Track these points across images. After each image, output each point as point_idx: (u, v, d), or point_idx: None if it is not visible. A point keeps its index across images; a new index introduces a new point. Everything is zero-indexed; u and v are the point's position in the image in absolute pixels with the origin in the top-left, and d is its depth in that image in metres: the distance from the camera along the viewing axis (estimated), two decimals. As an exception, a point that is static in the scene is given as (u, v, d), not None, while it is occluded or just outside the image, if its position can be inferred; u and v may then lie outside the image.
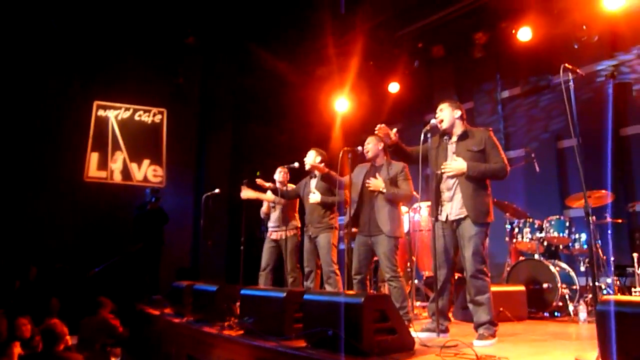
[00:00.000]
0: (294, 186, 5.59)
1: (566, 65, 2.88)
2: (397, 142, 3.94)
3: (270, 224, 5.68)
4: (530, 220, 5.53)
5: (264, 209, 5.77)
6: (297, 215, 5.57)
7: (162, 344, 5.34)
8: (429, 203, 5.51)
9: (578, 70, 2.89)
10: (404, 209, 5.69)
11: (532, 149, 6.21)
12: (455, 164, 3.59)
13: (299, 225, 5.50)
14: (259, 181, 5.51)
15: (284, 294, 3.45)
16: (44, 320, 5.50)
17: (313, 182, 5.18)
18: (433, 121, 3.70)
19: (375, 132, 3.94)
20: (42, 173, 8.40)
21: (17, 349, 4.88)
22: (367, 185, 4.23)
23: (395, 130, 3.93)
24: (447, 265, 3.68)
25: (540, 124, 7.32)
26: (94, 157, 9.08)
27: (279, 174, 5.70)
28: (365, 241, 4.25)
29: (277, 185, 5.63)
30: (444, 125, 3.71)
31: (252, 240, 5.75)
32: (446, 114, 3.72)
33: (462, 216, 3.55)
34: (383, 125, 3.88)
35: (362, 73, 8.72)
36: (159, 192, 7.81)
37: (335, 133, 9.52)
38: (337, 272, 4.93)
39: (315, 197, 4.99)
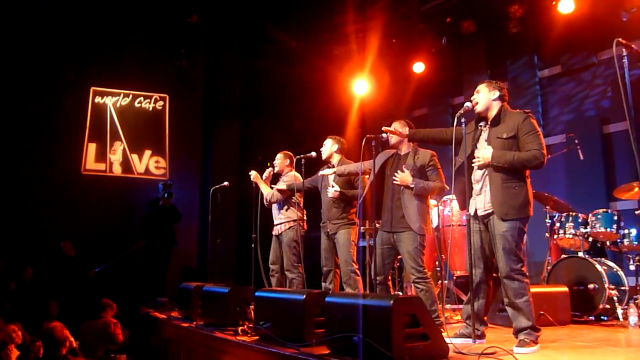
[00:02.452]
0: (297, 176, 5.62)
1: (620, 39, 2.82)
2: (407, 135, 4.13)
3: (274, 216, 5.77)
4: (574, 213, 5.46)
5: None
6: (296, 207, 5.58)
7: (170, 350, 5.40)
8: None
9: (633, 46, 2.82)
10: (432, 202, 5.67)
11: (575, 135, 6.11)
12: (482, 152, 3.56)
13: (300, 216, 5.52)
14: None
15: (304, 296, 3.46)
16: (42, 324, 5.60)
17: (331, 175, 5.17)
18: (468, 104, 3.66)
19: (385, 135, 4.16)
20: (36, 166, 8.51)
21: (14, 352, 4.97)
22: (393, 179, 4.21)
23: (394, 125, 4.24)
24: (483, 264, 3.65)
25: (584, 106, 7.21)
26: (91, 148, 9.16)
27: (276, 161, 5.79)
28: (387, 238, 4.24)
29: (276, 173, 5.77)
30: (478, 108, 3.67)
31: (264, 238, 5.78)
32: (482, 96, 3.68)
33: (490, 211, 3.54)
34: (384, 128, 4.12)
35: (384, 52, 8.65)
36: (171, 187, 7.87)
37: (353, 119, 9.49)
38: (357, 271, 4.95)
39: (333, 191, 4.99)
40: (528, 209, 3.50)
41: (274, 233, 5.70)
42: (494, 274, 3.98)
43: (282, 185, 5.60)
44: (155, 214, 7.84)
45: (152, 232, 7.80)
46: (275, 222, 5.70)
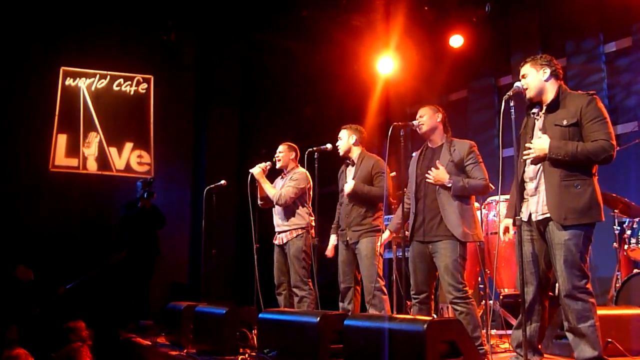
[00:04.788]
0: (307, 175, 5.62)
1: None
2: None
3: (275, 222, 5.77)
4: (649, 219, 5.39)
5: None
6: (304, 208, 5.59)
7: (155, 383, 5.42)
8: (508, 197, 5.45)
9: None
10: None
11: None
12: (537, 142, 3.52)
13: (309, 221, 5.53)
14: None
15: (318, 319, 3.46)
16: (1, 353, 5.66)
17: (351, 172, 5.18)
18: (518, 84, 3.62)
19: None
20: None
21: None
22: (426, 178, 4.18)
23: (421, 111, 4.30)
24: (536, 280, 3.63)
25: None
26: (61, 141, 9.23)
27: (279, 154, 5.78)
28: (422, 250, 4.23)
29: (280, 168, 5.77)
30: (530, 94, 3.65)
31: (268, 248, 5.79)
32: (531, 79, 3.64)
33: (548, 215, 3.51)
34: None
35: (414, 22, 8.60)
36: (153, 186, 7.89)
37: (377, 103, 9.46)
38: (384, 289, 4.93)
39: (349, 185, 4.98)
40: (595, 212, 3.45)
41: (276, 242, 5.71)
42: (550, 293, 3.95)
43: (290, 184, 5.58)
44: (134, 218, 7.85)
45: (131, 239, 7.81)
46: (277, 230, 5.71)
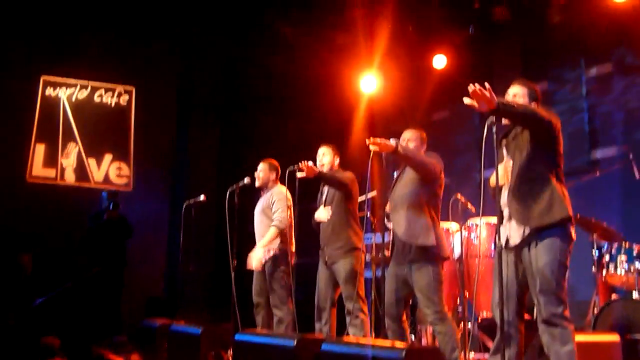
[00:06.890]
0: (287, 195, 5.62)
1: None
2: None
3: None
4: (627, 244, 5.41)
5: None
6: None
7: (128, 402, 5.34)
8: (489, 220, 5.45)
9: None
10: (454, 226, 5.60)
11: (630, 148, 6.08)
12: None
13: (289, 245, 5.55)
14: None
15: (295, 341, 3.42)
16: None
17: (326, 191, 5.19)
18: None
19: None
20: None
21: None
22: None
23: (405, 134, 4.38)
24: (515, 303, 3.59)
25: (641, 113, 7.19)
26: (39, 150, 9.12)
27: (259, 173, 5.80)
28: (395, 271, 4.22)
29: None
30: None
31: (246, 265, 5.75)
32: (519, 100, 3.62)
33: (524, 237, 3.48)
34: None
35: (398, 42, 8.67)
36: (118, 196, 7.81)
37: (360, 121, 9.49)
38: (365, 310, 4.91)
39: (324, 215, 4.99)
40: (558, 209, 3.44)
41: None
42: (528, 316, 3.93)
43: (278, 207, 5.58)
44: (101, 230, 7.75)
45: (99, 252, 7.69)
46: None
